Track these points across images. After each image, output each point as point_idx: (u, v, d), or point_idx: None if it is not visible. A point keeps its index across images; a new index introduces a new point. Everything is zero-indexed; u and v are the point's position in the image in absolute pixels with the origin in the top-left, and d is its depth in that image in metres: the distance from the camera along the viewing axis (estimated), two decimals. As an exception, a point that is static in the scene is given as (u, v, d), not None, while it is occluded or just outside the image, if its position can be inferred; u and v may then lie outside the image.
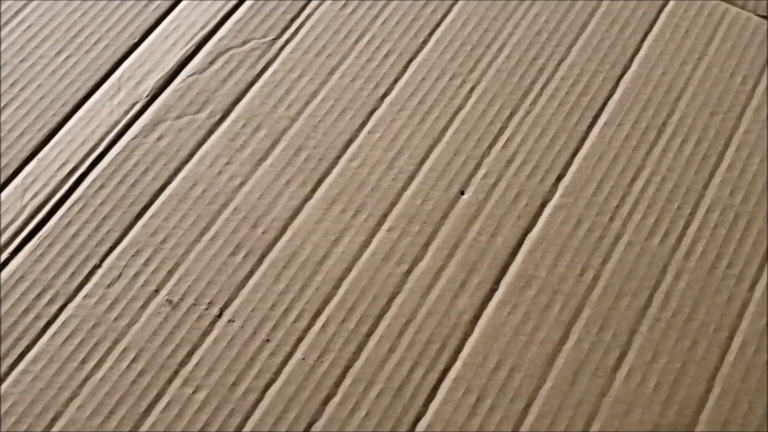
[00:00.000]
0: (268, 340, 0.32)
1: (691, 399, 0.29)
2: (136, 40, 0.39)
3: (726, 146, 0.35)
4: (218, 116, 0.37)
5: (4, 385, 0.31)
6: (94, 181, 0.35)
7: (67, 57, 0.39)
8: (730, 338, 0.31)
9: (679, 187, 0.34)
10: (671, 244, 0.33)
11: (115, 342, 0.32)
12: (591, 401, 0.30)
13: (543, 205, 0.35)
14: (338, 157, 0.36)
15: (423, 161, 0.36)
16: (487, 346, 0.31)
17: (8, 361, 0.31)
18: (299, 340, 0.32)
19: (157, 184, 0.35)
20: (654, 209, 0.34)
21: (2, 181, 0.35)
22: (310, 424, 0.30)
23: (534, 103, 0.37)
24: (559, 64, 0.38)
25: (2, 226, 0.34)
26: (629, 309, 0.32)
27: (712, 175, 0.34)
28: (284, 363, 0.31)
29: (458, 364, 0.31)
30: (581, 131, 0.36)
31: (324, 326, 0.32)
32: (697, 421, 0.29)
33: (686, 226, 0.33)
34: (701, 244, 0.33)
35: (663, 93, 0.37)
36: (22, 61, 0.38)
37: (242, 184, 0.35)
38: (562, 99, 0.37)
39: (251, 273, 0.33)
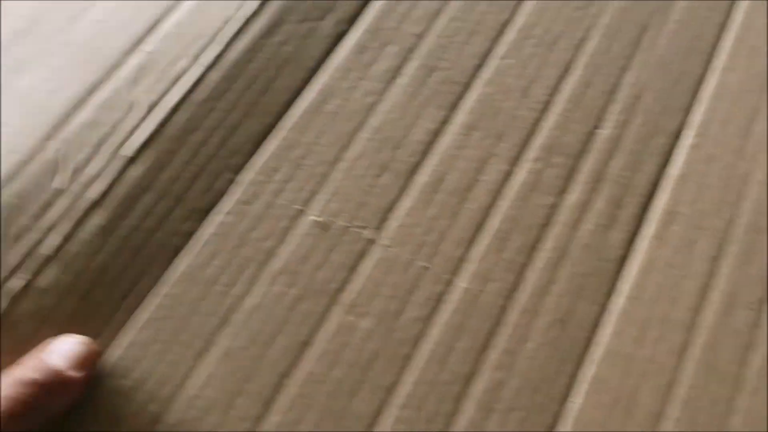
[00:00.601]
0: (427, 267, 0.30)
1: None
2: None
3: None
4: (343, 27, 0.34)
5: (145, 310, 0.27)
6: (217, 82, 0.31)
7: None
8: None
9: (797, 134, 0.36)
10: (799, 186, 0.34)
11: (263, 264, 0.28)
12: (745, 332, 0.31)
13: (676, 143, 0.35)
14: (472, 82, 0.34)
15: (556, 92, 0.35)
16: (644, 280, 0.31)
17: (144, 284, 0.27)
18: (458, 268, 0.30)
19: (288, 94, 0.32)
20: (778, 153, 0.35)
21: (103, 73, 0.30)
22: (480, 352, 0.29)
23: (653, 42, 0.37)
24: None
25: (112, 122, 0.29)
26: (771, 246, 0.33)
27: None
28: (448, 291, 0.30)
29: (618, 297, 0.31)
30: (699, 74, 0.37)
31: (482, 255, 0.30)
32: None
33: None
34: (825, 189, 0.34)
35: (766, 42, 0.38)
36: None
37: (378, 102, 0.33)
38: (678, 42, 0.37)
39: (400, 197, 0.31)
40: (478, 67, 0.35)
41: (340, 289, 0.29)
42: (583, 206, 0.33)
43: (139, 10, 0.31)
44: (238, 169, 0.30)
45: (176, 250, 0.28)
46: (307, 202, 0.30)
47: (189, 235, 0.28)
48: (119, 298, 0.27)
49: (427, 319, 0.29)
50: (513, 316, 0.30)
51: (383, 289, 0.29)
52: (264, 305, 0.28)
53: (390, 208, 0.31)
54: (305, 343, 0.28)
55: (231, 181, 0.29)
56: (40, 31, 0.30)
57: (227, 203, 0.29)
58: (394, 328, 0.29)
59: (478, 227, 0.31)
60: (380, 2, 0.35)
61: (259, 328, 0.27)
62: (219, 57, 0.31)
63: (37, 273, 0.26)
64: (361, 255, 0.29)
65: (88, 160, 0.28)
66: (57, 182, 0.27)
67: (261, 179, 0.30)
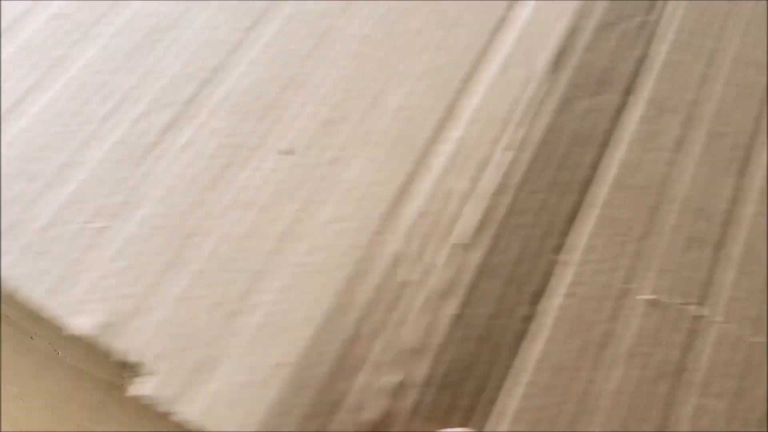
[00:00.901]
0: (761, 343, 0.29)
1: None
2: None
3: None
4: (623, 99, 0.34)
5: (509, 400, 0.26)
6: (523, 163, 0.31)
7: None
8: None
9: None
10: None
11: (603, 346, 0.28)
12: None
13: None
14: (755, 145, 0.34)
15: (838, 151, 0.34)
16: None
17: (498, 373, 0.27)
18: (790, 341, 0.29)
19: (587, 170, 0.31)
20: None
21: (417, 161, 0.30)
22: (831, 432, 0.28)
23: None
24: None
25: (437, 211, 0.29)
26: None
27: None
28: (787, 366, 0.29)
29: None
30: None
31: (809, 326, 0.30)
32: None
33: None
34: None
35: None
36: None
37: (673, 172, 0.32)
38: None
39: (716, 268, 0.30)
40: (757, 130, 0.34)
41: (681, 369, 0.28)
42: None
43: (434, 97, 0.32)
44: (557, 249, 0.30)
45: (520, 335, 0.28)
46: (628, 279, 0.29)
47: (528, 319, 0.28)
48: (478, 388, 0.26)
49: (772, 398, 0.28)
50: None
51: (724, 368, 0.28)
52: (612, 390, 0.27)
53: (709, 282, 0.30)
54: (663, 428, 0.27)
55: (554, 263, 0.29)
56: (345, 121, 0.31)
57: (555, 285, 0.29)
58: (743, 409, 0.28)
59: (798, 297, 0.30)
60: (650, 72, 0.35)
61: (613, 414, 0.27)
62: (523, 139, 0.31)
63: (409, 368, 0.26)
64: (693, 332, 0.29)
65: (426, 251, 0.28)
66: (402, 274, 0.27)
67: (581, 259, 0.29)
